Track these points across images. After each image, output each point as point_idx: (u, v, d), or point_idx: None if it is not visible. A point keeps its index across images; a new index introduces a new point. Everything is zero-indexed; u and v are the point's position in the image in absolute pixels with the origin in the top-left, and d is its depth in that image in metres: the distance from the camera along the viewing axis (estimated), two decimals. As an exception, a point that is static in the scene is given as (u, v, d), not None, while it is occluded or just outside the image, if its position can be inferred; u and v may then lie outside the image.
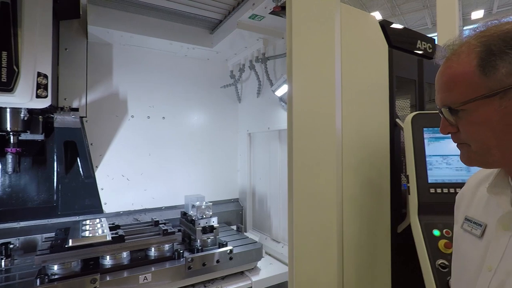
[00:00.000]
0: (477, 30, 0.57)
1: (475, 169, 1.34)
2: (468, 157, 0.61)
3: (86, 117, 1.99)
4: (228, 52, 2.32)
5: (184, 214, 2.01)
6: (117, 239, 1.54)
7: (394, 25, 1.66)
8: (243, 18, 1.80)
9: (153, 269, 1.53)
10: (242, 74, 2.37)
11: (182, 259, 1.62)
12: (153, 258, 1.62)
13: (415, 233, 1.32)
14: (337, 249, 1.29)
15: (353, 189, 1.38)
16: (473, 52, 0.55)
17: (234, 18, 1.88)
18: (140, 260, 1.59)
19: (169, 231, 1.70)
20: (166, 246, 1.68)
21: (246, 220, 2.51)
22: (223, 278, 1.76)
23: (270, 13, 1.70)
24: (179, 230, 1.90)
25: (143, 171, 2.21)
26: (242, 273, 1.83)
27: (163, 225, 1.83)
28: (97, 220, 1.80)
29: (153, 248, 1.64)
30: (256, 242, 1.93)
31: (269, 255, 2.13)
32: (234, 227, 2.33)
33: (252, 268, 1.86)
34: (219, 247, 1.75)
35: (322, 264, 1.26)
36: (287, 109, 1.29)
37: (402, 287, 1.45)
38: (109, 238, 1.51)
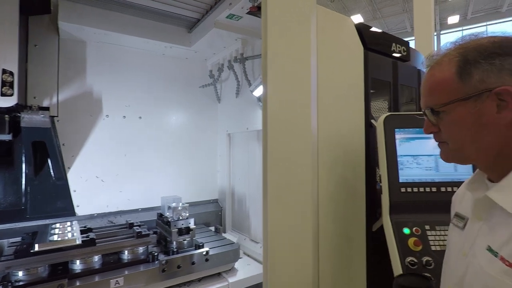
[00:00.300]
0: (457, 44, 0.66)
1: (443, 170, 1.38)
2: (446, 154, 0.70)
3: (57, 116, 1.91)
4: (207, 51, 2.30)
5: (161, 215, 1.97)
6: (88, 243, 1.49)
7: (369, 28, 1.69)
8: (220, 17, 1.78)
9: (126, 273, 1.49)
10: (222, 74, 2.36)
11: (156, 262, 1.59)
12: (126, 261, 1.58)
13: (387, 232, 1.34)
14: (313, 249, 1.29)
15: (328, 189, 1.39)
16: (452, 61, 0.63)
17: (212, 17, 1.87)
18: (112, 263, 1.54)
19: (143, 233, 1.66)
20: (140, 249, 1.65)
21: (225, 221, 2.50)
22: (199, 280, 1.74)
23: (247, 13, 1.70)
24: (155, 232, 1.86)
25: (118, 172, 2.15)
26: (219, 274, 1.82)
27: (137, 227, 1.79)
28: (68, 223, 1.74)
29: (126, 251, 1.60)
30: (234, 243, 1.92)
31: (248, 255, 2.12)
32: (213, 228, 2.31)
33: (229, 269, 1.85)
34: (196, 249, 1.72)
35: (297, 265, 1.26)
36: (262, 109, 1.29)
37: (377, 286, 1.48)
38: (79, 241, 1.46)
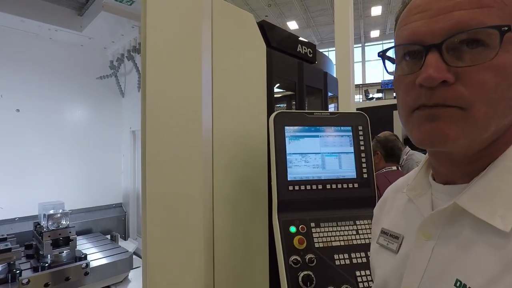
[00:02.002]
0: None
1: (329, 168, 1.41)
2: (459, 130, 0.37)
3: None
4: (105, 39, 2.06)
5: (38, 225, 1.69)
6: None
7: (273, 28, 1.68)
8: (109, 0, 1.59)
9: (-29, 299, 1.21)
10: (124, 65, 2.14)
11: (16, 282, 1.33)
12: (-25, 284, 1.29)
13: (275, 230, 1.32)
14: (205, 255, 1.19)
15: (226, 190, 1.31)
16: None
17: (101, -1, 1.66)
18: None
19: (2, 248, 1.38)
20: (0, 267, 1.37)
21: (129, 227, 2.28)
22: (79, 296, 1.52)
23: (139, -3, 1.55)
24: (30, 245, 1.59)
25: (-15, 175, 1.79)
26: (107, 287, 1.62)
27: (1, 241, 1.49)
28: None
29: (-24, 272, 1.31)
30: (127, 251, 1.73)
31: (149, 264, 1.95)
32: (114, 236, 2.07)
33: (121, 281, 1.66)
34: (76, 261, 1.50)
35: (186, 276, 1.15)
36: (141, 105, 1.15)
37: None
38: None
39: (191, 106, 1.20)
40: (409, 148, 2.84)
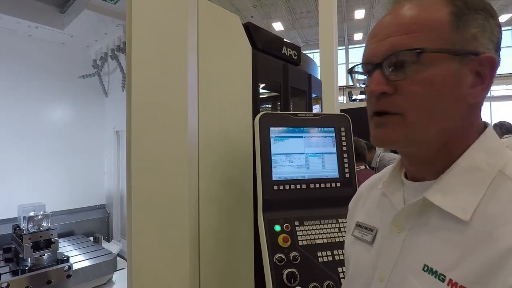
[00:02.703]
0: None
1: (313, 167, 1.45)
2: (398, 133, 0.45)
3: None
4: (88, 37, 2.03)
5: (17, 227, 1.64)
6: None
7: (259, 29, 1.69)
8: (93, -2, 1.58)
9: None
10: (107, 64, 2.11)
11: (-5, 286, 1.29)
12: (-51, 289, 1.25)
13: (260, 229, 1.34)
14: (191, 255, 1.20)
15: (212, 189, 1.32)
16: None
17: (85, -3, 1.64)
18: None
19: (-21, 252, 1.34)
20: (-24, 271, 1.32)
21: (113, 228, 2.24)
22: (62, 300, 1.49)
23: (124, -4, 1.53)
24: (9, 249, 1.54)
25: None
26: (91, 290, 1.60)
27: (-22, 244, 1.44)
28: None
29: (-49, 276, 1.26)
30: (111, 253, 1.71)
31: (134, 265, 1.93)
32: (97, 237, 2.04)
33: (104, 283, 1.64)
34: (58, 264, 1.47)
35: (172, 276, 1.15)
36: (126, 105, 1.15)
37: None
38: None
39: (177, 106, 1.20)
40: (380, 151, 2.97)
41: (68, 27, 1.83)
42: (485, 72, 0.44)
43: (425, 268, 0.43)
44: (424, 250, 0.45)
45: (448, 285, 0.40)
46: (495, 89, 12.73)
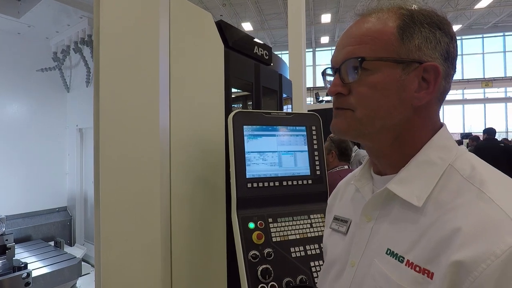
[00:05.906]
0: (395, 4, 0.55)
1: (285, 165, 1.48)
2: (347, 123, 0.55)
3: None
4: (48, 28, 1.89)
5: (-34, 234, 1.49)
6: None
7: (231, 28, 1.69)
8: (54, -14, 1.47)
9: None
10: (70, 57, 1.99)
11: None
12: None
13: (234, 227, 1.34)
14: (162, 255, 1.16)
15: (183, 189, 1.29)
16: (397, 14, 0.53)
17: (45, -15, 1.53)
18: None
19: None
20: None
21: (75, 232, 2.12)
22: (20, 309, 1.38)
23: (89, -13, 1.46)
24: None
25: None
26: (52, 298, 1.49)
27: None
28: None
29: None
30: (75, 257, 1.62)
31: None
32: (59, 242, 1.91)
33: (68, 290, 1.55)
34: (14, 272, 1.36)
35: (143, 277, 1.11)
36: (93, 102, 1.09)
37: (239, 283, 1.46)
38: None
39: (148, 104, 1.16)
40: (356, 147, 3.15)
41: (25, 16, 1.70)
42: (429, 78, 0.50)
43: (388, 252, 0.50)
44: (388, 236, 0.52)
45: (406, 265, 0.47)
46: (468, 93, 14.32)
